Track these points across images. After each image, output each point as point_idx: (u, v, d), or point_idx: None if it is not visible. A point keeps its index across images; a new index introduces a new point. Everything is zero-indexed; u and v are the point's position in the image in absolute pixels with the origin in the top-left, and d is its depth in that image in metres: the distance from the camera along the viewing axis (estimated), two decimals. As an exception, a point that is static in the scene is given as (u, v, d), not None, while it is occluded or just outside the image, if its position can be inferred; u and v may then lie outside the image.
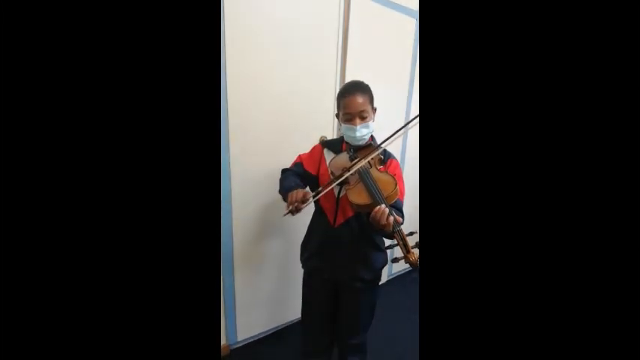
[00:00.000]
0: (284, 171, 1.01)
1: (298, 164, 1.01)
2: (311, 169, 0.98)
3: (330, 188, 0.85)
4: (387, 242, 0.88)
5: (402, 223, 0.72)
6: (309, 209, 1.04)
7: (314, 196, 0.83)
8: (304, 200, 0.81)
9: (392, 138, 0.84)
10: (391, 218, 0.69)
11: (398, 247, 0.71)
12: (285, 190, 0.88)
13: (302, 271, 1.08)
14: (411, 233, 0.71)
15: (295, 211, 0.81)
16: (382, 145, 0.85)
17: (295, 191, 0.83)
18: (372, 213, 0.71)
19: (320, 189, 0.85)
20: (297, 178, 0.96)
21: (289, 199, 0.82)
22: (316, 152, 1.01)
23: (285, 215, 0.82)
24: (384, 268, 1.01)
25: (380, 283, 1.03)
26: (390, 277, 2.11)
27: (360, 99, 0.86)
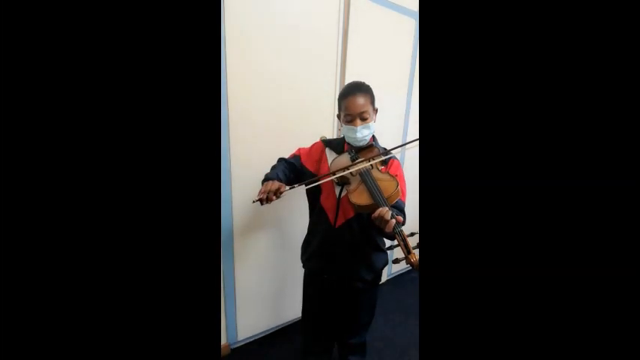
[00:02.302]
0: (279, 160, 1.00)
1: (297, 157, 1.00)
2: (309, 166, 0.98)
3: (323, 182, 0.85)
4: (388, 243, 0.88)
5: (403, 223, 0.73)
6: (300, 205, 1.05)
7: (303, 185, 0.83)
8: (277, 192, 0.81)
9: (402, 147, 0.84)
10: (393, 220, 0.69)
11: (399, 248, 0.71)
12: (264, 179, 0.88)
13: (302, 270, 1.08)
14: (412, 234, 0.71)
15: (265, 200, 0.80)
16: (392, 152, 0.85)
17: (271, 181, 0.83)
18: (374, 215, 0.71)
19: (312, 180, 0.84)
20: (287, 170, 0.95)
21: (263, 188, 0.82)
22: (317, 150, 1.00)
23: (253, 202, 0.82)
24: (384, 267, 1.01)
25: (380, 283, 1.04)
26: (390, 277, 2.12)
27: (361, 100, 0.85)
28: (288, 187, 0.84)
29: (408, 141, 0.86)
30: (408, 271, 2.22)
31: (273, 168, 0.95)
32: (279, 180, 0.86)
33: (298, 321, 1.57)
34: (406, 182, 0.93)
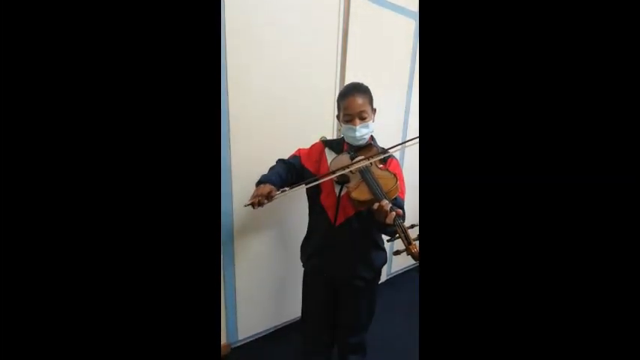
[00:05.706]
0: (278, 161, 1.02)
1: (296, 157, 1.02)
2: (309, 166, 0.99)
3: (322, 181, 0.87)
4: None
5: (403, 217, 0.74)
6: (300, 205, 1.05)
7: (304, 185, 0.84)
8: (268, 197, 0.84)
9: (400, 146, 0.86)
10: (393, 212, 0.70)
11: (399, 241, 0.71)
12: (258, 182, 0.91)
13: (302, 270, 1.09)
14: (412, 226, 0.72)
15: (257, 204, 0.83)
16: (390, 151, 0.87)
17: (262, 185, 0.86)
18: (373, 207, 0.73)
19: (313, 179, 0.86)
20: (284, 172, 0.96)
21: (255, 192, 0.85)
22: (316, 150, 1.01)
23: (245, 206, 0.84)
24: (384, 266, 1.02)
25: (379, 282, 1.04)
26: (390, 277, 2.12)
27: (359, 100, 0.87)
28: (279, 192, 0.86)
29: (407, 139, 0.87)
30: (408, 271, 2.22)
31: (271, 169, 0.97)
32: (273, 183, 0.88)
33: (298, 320, 1.57)
34: (405, 184, 0.93)
